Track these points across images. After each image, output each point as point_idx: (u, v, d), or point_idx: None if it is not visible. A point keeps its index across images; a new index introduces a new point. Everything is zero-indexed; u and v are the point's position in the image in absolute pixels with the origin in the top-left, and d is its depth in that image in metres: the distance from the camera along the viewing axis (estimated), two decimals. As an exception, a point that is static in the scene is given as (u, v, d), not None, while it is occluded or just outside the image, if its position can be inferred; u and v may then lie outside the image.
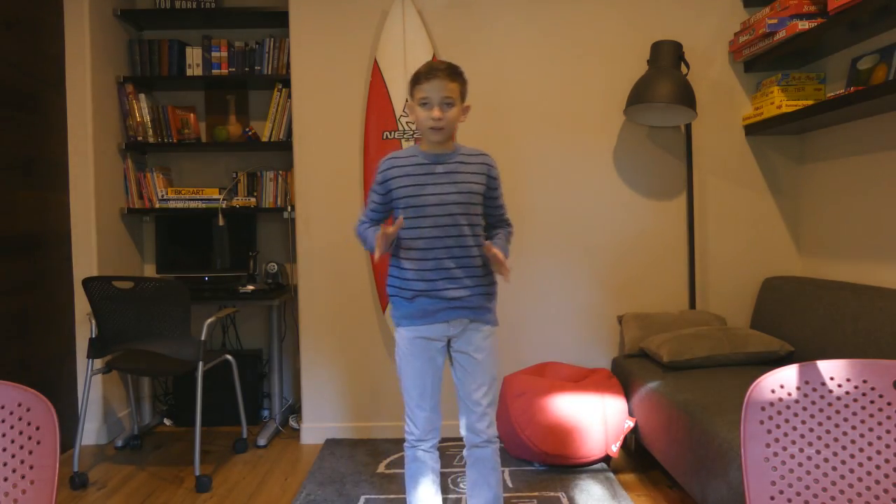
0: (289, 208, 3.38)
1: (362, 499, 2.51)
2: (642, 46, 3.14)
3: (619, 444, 2.72)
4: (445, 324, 1.91)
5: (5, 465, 1.13)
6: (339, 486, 2.62)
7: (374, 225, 1.97)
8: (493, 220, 2.03)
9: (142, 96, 3.41)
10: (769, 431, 1.20)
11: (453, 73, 1.87)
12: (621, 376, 2.93)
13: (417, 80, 1.86)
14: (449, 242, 1.88)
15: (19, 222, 2.83)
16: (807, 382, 1.22)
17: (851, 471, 1.17)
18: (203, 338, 2.71)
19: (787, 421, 1.21)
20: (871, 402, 1.19)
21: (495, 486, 1.95)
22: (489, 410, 1.93)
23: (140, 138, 3.41)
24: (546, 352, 3.21)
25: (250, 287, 3.21)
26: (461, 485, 2.60)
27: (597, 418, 2.66)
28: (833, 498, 1.17)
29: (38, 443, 1.15)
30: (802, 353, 2.64)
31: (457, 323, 1.92)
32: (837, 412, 1.20)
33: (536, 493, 2.53)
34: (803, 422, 1.20)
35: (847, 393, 1.20)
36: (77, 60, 3.12)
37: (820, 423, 1.20)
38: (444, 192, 1.87)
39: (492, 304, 1.98)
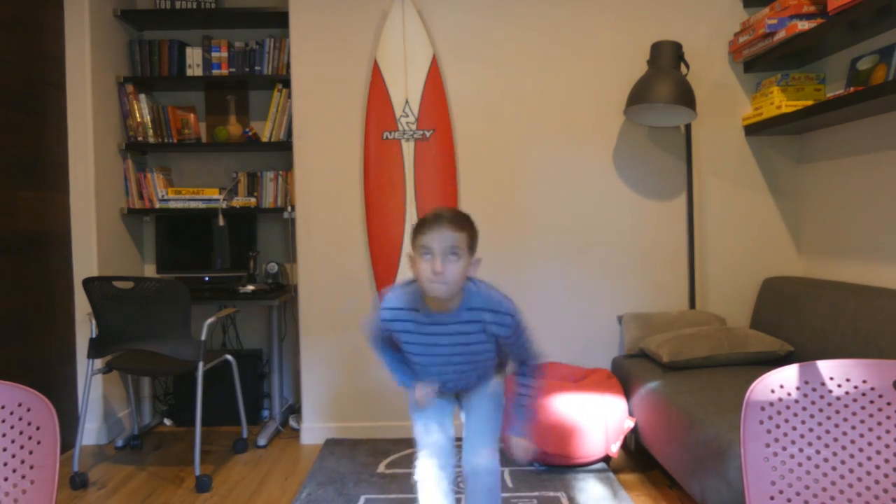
0: (289, 208, 3.38)
1: (362, 499, 2.51)
2: (642, 46, 3.14)
3: (619, 444, 2.72)
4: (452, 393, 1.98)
5: (5, 465, 1.13)
6: (339, 486, 2.63)
7: (385, 343, 1.95)
8: (515, 355, 1.90)
9: (142, 96, 3.41)
10: (769, 431, 1.20)
11: (460, 221, 1.67)
12: (621, 376, 2.93)
13: (420, 228, 1.67)
14: (457, 379, 1.88)
15: (19, 222, 2.83)
16: (807, 382, 1.22)
17: (851, 471, 1.17)
18: (203, 338, 2.71)
19: (787, 421, 1.21)
20: (871, 402, 1.19)
21: None
22: (493, 447, 1.91)
23: (140, 138, 3.41)
24: (546, 352, 3.21)
25: (250, 287, 3.21)
26: (459, 483, 2.59)
27: (597, 418, 2.66)
28: (833, 498, 1.17)
29: (39, 443, 1.15)
30: (802, 353, 2.64)
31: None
32: (837, 412, 1.20)
33: (536, 493, 2.53)
34: (803, 422, 1.20)
35: (847, 393, 1.20)
36: (77, 60, 3.12)
37: (820, 423, 1.20)
38: (448, 354, 1.79)
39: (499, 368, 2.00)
